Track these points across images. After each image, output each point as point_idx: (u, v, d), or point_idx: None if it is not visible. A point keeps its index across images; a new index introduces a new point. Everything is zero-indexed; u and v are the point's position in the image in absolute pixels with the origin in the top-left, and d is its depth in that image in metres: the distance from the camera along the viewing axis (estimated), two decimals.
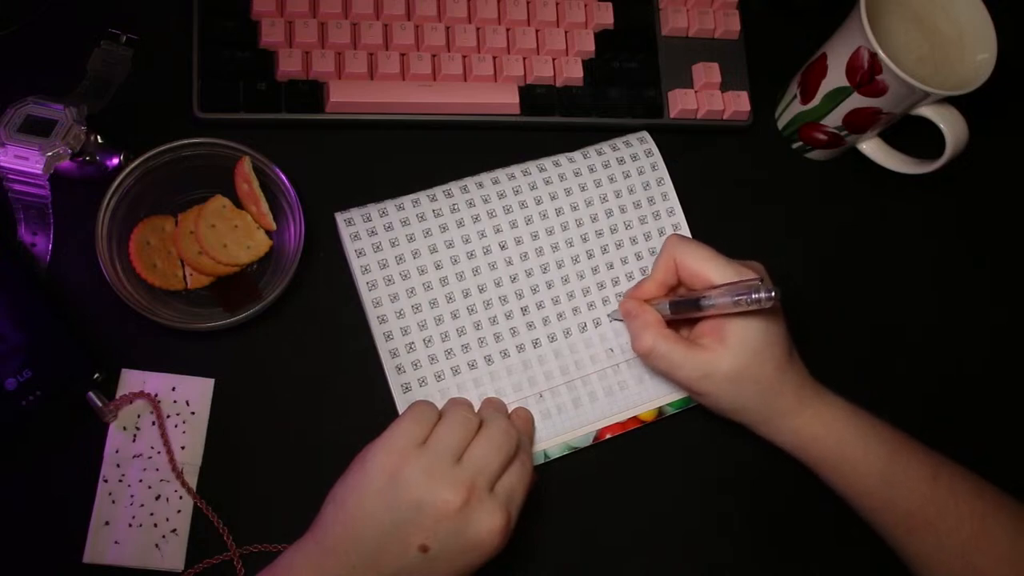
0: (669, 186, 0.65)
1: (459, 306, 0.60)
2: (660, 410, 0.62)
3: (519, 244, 0.62)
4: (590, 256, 0.63)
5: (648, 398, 0.62)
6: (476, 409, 0.57)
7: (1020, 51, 0.66)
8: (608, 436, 0.61)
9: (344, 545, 0.49)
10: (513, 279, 0.61)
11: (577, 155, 0.64)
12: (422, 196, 0.61)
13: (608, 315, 0.62)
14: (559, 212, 0.63)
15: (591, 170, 0.64)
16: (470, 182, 0.62)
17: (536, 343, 0.61)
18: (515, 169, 0.63)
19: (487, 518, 0.49)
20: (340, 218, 0.59)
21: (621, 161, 0.64)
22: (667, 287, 0.59)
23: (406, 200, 0.61)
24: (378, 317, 0.58)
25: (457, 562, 0.50)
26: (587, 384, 0.61)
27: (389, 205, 0.60)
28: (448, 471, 0.50)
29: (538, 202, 0.62)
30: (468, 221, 0.61)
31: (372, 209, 0.60)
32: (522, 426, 0.58)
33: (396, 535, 0.49)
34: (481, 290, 0.60)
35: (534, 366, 0.60)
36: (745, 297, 0.52)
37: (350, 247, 0.59)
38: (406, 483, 0.49)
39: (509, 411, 0.58)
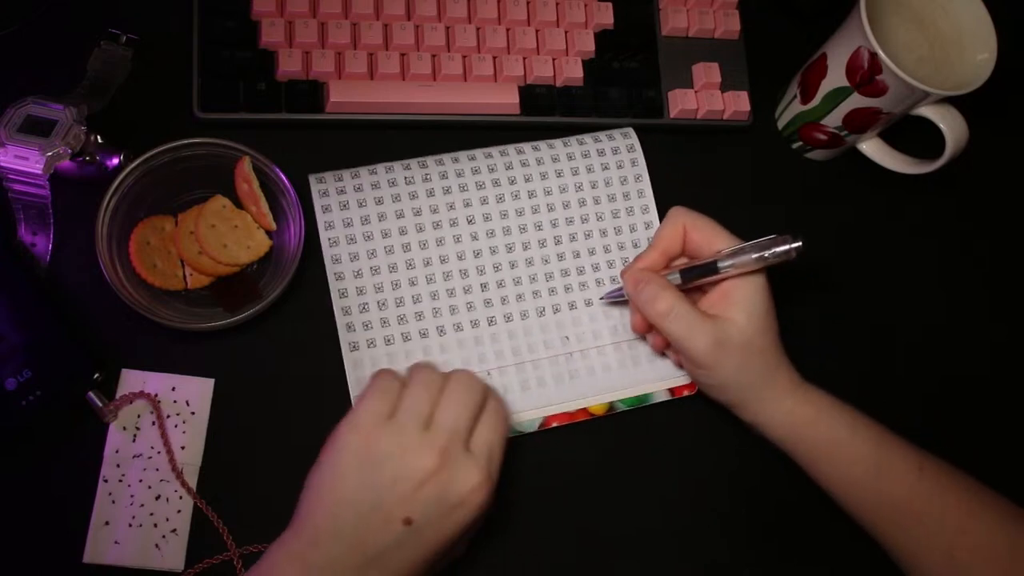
0: (647, 183, 0.65)
1: (418, 274, 0.60)
2: (611, 405, 0.61)
3: (487, 221, 0.62)
4: (557, 242, 0.63)
5: (598, 391, 0.61)
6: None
7: (1020, 51, 0.66)
8: (555, 424, 0.60)
9: (326, 535, 0.48)
10: (476, 254, 0.61)
11: (558, 142, 0.64)
12: (396, 165, 0.61)
13: (601, 298, 0.62)
14: (532, 194, 0.63)
15: (570, 158, 0.64)
16: (446, 157, 0.62)
17: (491, 321, 0.61)
18: (493, 149, 0.63)
19: (465, 476, 0.49)
20: (312, 178, 0.60)
21: (601, 153, 0.64)
22: (668, 257, 0.59)
23: (379, 167, 0.61)
24: (335, 274, 0.59)
25: (443, 526, 0.49)
26: (537, 368, 0.61)
27: (362, 171, 0.61)
28: (418, 440, 0.49)
29: (511, 182, 0.62)
30: (439, 192, 0.61)
31: (345, 173, 0.61)
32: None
33: (377, 514, 0.48)
34: (443, 261, 0.61)
35: (486, 343, 0.60)
36: (771, 251, 0.52)
37: (316, 204, 0.59)
38: (379, 460, 0.48)
39: None
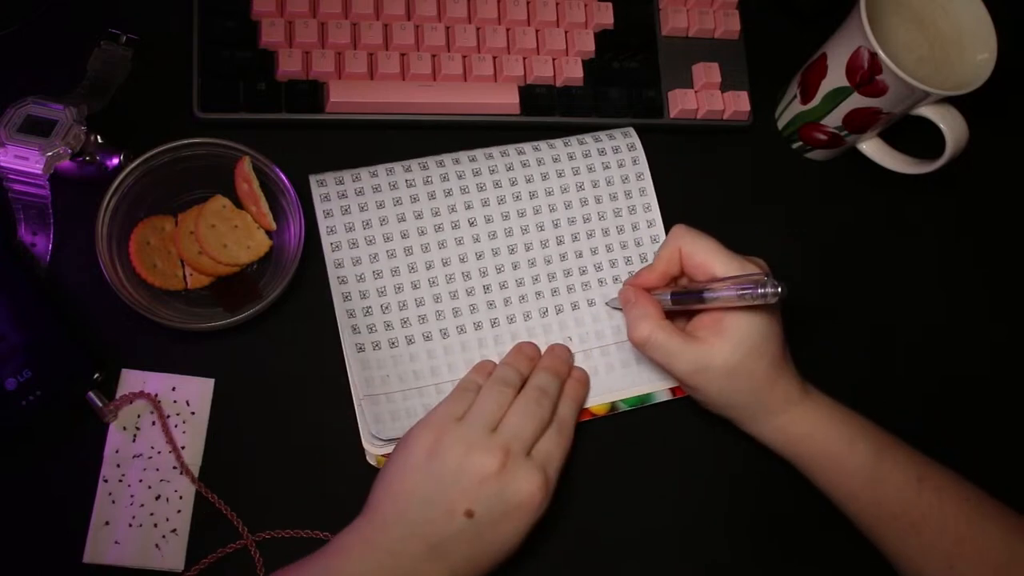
0: (648, 182, 0.65)
1: (420, 277, 0.60)
2: (613, 405, 0.61)
3: (489, 222, 0.62)
4: (560, 242, 0.63)
5: (601, 391, 0.61)
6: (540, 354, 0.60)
7: (1020, 51, 0.66)
8: None
9: (391, 519, 0.51)
10: (479, 256, 0.61)
11: (558, 142, 0.64)
12: (397, 166, 0.61)
13: (606, 303, 0.62)
14: (533, 195, 0.63)
15: (571, 158, 0.64)
16: (447, 157, 0.62)
17: (495, 322, 0.61)
18: (494, 150, 0.63)
19: (524, 477, 0.52)
20: (313, 179, 0.60)
21: (602, 152, 0.64)
22: (668, 277, 0.59)
23: (380, 168, 0.61)
24: (338, 278, 0.59)
25: (503, 528, 0.52)
26: None
27: (363, 172, 0.61)
28: (483, 439, 0.52)
29: (513, 183, 0.62)
30: (440, 194, 0.61)
31: (346, 174, 0.61)
32: (573, 390, 0.59)
33: (440, 504, 0.51)
34: (445, 263, 0.61)
35: (489, 345, 0.60)
36: (751, 291, 0.52)
37: (318, 208, 0.59)
38: (444, 453, 0.52)
39: (573, 363, 0.61)
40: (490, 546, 0.52)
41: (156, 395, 0.56)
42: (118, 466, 0.55)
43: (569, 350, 0.61)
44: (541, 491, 0.52)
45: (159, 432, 0.56)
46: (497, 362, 0.60)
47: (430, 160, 0.62)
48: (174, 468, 0.56)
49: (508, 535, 0.52)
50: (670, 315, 0.58)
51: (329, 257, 0.59)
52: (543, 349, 0.61)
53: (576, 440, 0.60)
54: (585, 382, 0.60)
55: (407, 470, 0.52)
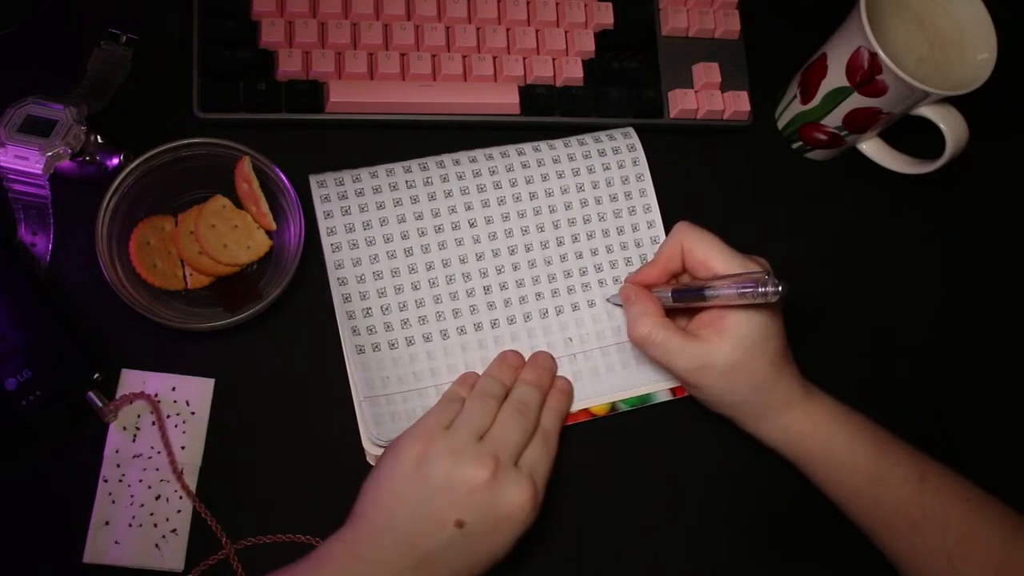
0: (648, 182, 0.65)
1: (421, 278, 0.60)
2: (613, 405, 0.61)
3: (489, 223, 0.62)
4: (560, 243, 0.63)
5: (602, 392, 0.61)
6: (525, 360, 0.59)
7: (1020, 51, 0.66)
8: None
9: (379, 530, 0.50)
10: (479, 257, 0.61)
11: (559, 143, 0.64)
12: (397, 167, 0.61)
13: (607, 299, 0.62)
14: (533, 196, 0.63)
15: (570, 158, 0.64)
16: (447, 158, 0.62)
17: (495, 323, 0.61)
18: (494, 150, 0.63)
19: (515, 488, 0.51)
20: (313, 180, 0.60)
21: (602, 153, 0.64)
22: (669, 273, 0.59)
23: (380, 169, 0.61)
24: (338, 279, 0.59)
25: (492, 537, 0.51)
26: None
27: (363, 172, 0.61)
28: (471, 448, 0.52)
29: (513, 184, 0.62)
30: (440, 195, 0.61)
31: (346, 174, 0.61)
32: (556, 401, 0.58)
33: (430, 514, 0.50)
34: (445, 264, 0.61)
35: (489, 346, 0.60)
36: (751, 290, 0.52)
37: (318, 208, 0.59)
38: (433, 463, 0.51)
39: (557, 372, 0.60)
40: (478, 556, 0.51)
41: (156, 395, 0.56)
42: (118, 466, 0.55)
43: (552, 358, 0.60)
44: (531, 500, 0.52)
45: (159, 433, 0.56)
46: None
47: (430, 160, 0.62)
48: (174, 471, 0.56)
49: (497, 545, 0.52)
50: (671, 313, 0.58)
51: (329, 258, 0.59)
52: (543, 349, 0.61)
53: (576, 440, 0.60)
54: (568, 392, 0.60)
55: (395, 479, 0.51)
